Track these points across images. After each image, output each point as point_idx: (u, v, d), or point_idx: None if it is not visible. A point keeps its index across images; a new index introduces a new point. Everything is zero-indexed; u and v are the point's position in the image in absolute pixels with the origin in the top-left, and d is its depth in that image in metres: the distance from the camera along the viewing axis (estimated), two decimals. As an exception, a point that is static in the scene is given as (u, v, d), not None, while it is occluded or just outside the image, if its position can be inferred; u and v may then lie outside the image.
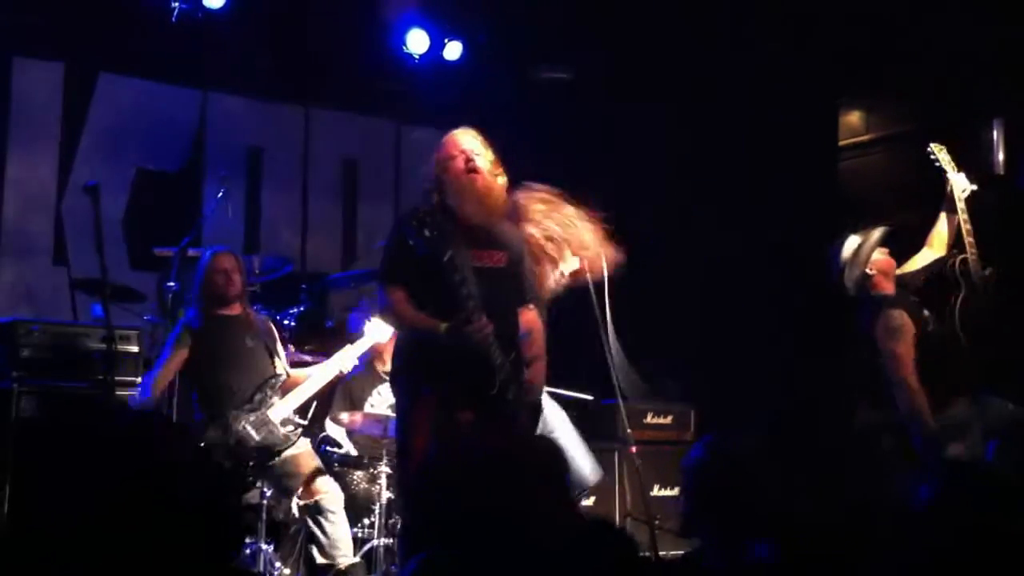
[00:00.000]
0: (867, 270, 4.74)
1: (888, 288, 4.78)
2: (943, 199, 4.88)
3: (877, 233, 4.80)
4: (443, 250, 3.62)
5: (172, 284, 5.62)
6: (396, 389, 4.12)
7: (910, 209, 6.59)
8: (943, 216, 4.90)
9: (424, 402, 3.77)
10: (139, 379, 5.51)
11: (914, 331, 4.62)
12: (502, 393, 3.74)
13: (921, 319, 4.70)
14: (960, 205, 4.82)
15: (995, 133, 6.09)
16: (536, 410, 4.07)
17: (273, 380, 4.88)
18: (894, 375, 4.59)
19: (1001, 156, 6.10)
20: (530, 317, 4.02)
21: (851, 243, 4.79)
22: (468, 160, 3.86)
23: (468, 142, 3.91)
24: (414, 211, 3.79)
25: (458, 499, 1.86)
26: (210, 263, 4.98)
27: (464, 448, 2.06)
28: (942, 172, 4.88)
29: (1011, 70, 6.07)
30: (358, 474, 5.34)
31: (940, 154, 4.91)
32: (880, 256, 4.77)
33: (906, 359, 4.59)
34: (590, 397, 6.00)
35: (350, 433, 5.58)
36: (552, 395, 5.80)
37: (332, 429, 5.58)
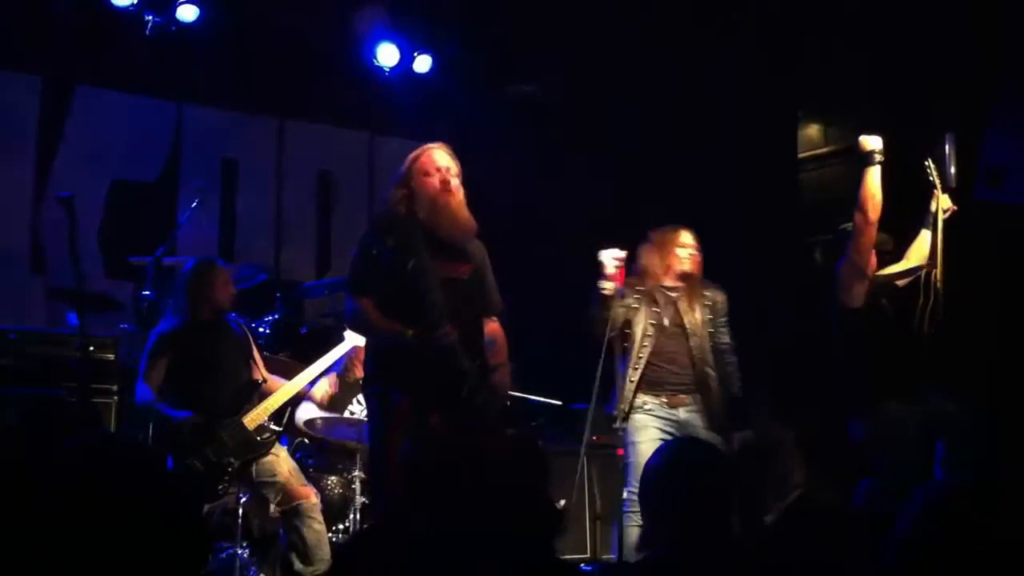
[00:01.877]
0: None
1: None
2: (927, 214, 4.95)
3: (881, 236, 4.94)
4: (406, 258, 3.72)
5: (148, 293, 5.66)
6: (367, 395, 4.21)
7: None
8: (924, 232, 4.97)
9: (395, 408, 3.85)
10: (114, 386, 5.59)
11: None
12: (470, 398, 3.82)
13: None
14: (940, 224, 4.88)
15: (947, 147, 6.23)
16: (503, 415, 4.18)
17: (250, 387, 4.91)
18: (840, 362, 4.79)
19: (953, 169, 6.25)
20: (494, 326, 4.15)
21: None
22: (444, 180, 3.95)
23: (444, 160, 4.00)
24: (378, 220, 3.89)
25: (436, 501, 1.93)
26: (213, 274, 4.95)
27: (441, 451, 2.10)
28: (932, 187, 4.93)
29: (964, 85, 6.26)
30: (332, 479, 5.39)
31: (933, 171, 4.96)
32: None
33: None
34: (559, 402, 6.13)
35: (321, 440, 5.64)
36: (521, 400, 5.96)
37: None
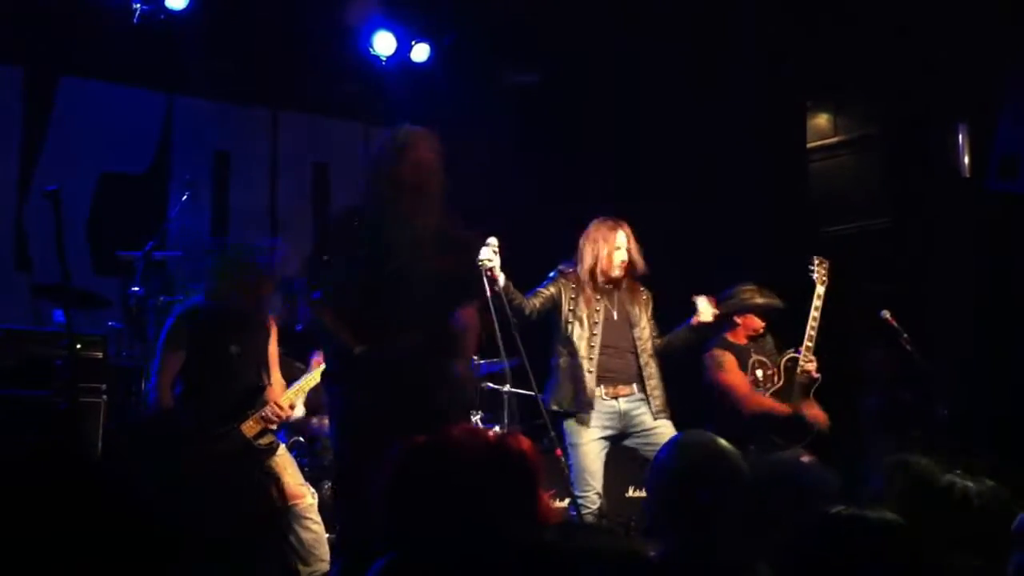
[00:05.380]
0: (735, 317, 5.32)
1: (741, 340, 5.35)
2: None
3: (774, 302, 5.32)
4: (388, 255, 3.70)
5: (137, 289, 5.52)
6: (328, 394, 4.09)
7: (878, 210, 6.65)
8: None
9: (357, 408, 3.80)
10: (103, 386, 5.42)
11: (737, 365, 5.24)
12: (433, 400, 3.76)
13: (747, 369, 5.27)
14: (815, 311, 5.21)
15: (960, 137, 6.17)
16: (466, 408, 4.13)
17: (255, 391, 4.65)
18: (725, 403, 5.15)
19: (967, 159, 6.19)
20: (467, 314, 4.05)
21: (750, 287, 5.32)
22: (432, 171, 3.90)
23: (432, 150, 3.92)
24: (354, 211, 3.81)
25: (421, 506, 1.87)
26: (266, 279, 4.77)
27: (422, 454, 2.03)
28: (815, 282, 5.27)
29: (975, 74, 6.13)
30: (328, 481, 5.27)
31: (817, 267, 5.29)
32: (755, 320, 5.33)
33: (737, 385, 5.19)
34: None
35: (315, 439, 5.54)
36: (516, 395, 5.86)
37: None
